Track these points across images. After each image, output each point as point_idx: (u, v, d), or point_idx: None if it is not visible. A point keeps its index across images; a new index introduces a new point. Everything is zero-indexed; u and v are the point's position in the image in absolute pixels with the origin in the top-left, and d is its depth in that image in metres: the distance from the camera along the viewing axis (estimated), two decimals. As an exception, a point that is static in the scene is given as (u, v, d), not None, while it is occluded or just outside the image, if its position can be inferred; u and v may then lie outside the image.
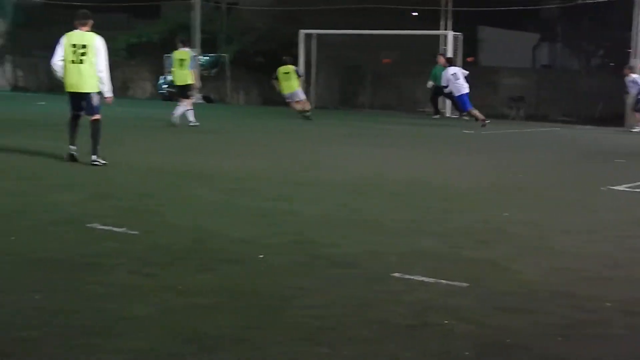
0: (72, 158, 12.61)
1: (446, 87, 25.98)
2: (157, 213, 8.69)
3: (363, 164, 14.14)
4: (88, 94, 12.60)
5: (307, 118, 25.45)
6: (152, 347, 4.61)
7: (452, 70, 25.67)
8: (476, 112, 25.42)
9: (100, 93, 12.75)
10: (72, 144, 12.73)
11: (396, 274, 6.32)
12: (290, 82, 25.77)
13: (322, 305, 5.48)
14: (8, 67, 45.89)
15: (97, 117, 12.68)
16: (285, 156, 15.03)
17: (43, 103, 29.66)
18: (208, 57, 38.64)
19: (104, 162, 12.34)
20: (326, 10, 35.15)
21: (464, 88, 25.14)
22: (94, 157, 12.40)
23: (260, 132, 21.20)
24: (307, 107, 26.51)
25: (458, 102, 26.46)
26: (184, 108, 21.17)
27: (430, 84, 29.64)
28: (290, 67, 26.29)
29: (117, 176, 11.56)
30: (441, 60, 28.73)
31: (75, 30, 12.63)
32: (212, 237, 7.52)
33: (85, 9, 13.58)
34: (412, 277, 6.25)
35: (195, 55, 22.98)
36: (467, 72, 25.95)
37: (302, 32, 34.29)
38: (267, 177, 11.80)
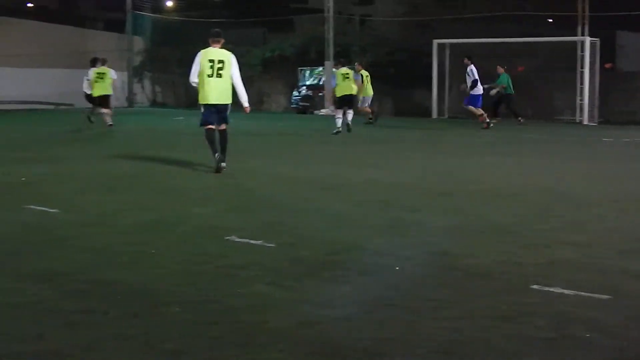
0: (219, 169, 13.28)
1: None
2: (293, 225, 8.75)
3: (497, 173, 13.96)
4: (226, 105, 13.62)
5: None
6: (290, 359, 4.63)
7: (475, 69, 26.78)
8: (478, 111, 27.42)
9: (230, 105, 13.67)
10: (217, 152, 13.50)
11: (535, 286, 6.20)
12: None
13: (459, 317, 5.41)
14: (147, 83, 47.24)
15: (225, 126, 13.71)
16: (419, 166, 14.95)
17: (181, 118, 30.37)
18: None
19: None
20: (459, 19, 34.92)
21: (481, 89, 26.93)
22: (224, 164, 13.36)
23: (393, 143, 21.17)
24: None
25: (471, 99, 27.27)
26: (351, 115, 24.07)
27: (493, 91, 30.15)
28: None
29: (253, 188, 11.72)
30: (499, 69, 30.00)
31: (210, 47, 13.52)
32: (347, 249, 7.53)
33: (223, 25, 14.12)
34: (550, 289, 6.11)
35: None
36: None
37: (436, 41, 34.12)
38: (401, 188, 11.76)
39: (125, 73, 44.98)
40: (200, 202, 10.31)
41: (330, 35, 37.99)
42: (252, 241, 7.79)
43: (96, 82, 24.71)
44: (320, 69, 39.38)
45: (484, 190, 11.67)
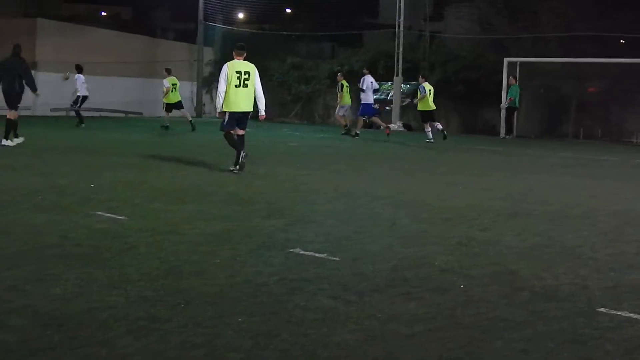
0: (242, 167, 14.86)
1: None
2: (359, 240, 8.72)
3: (568, 194, 13.78)
4: (249, 112, 15.20)
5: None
6: (353, 375, 4.61)
7: (371, 78, 28.31)
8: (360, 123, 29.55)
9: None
10: (243, 150, 14.92)
11: (602, 309, 6.11)
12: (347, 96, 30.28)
13: (526, 339, 5.33)
14: (215, 94, 47.54)
15: (244, 132, 15.31)
16: (488, 186, 14.81)
17: (248, 130, 30.47)
18: (408, 86, 38.79)
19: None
20: (531, 38, 34.66)
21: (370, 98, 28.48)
22: (244, 152, 14.94)
23: (461, 161, 21.05)
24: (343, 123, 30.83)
25: (364, 109, 28.85)
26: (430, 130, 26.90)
27: (503, 104, 32.37)
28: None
29: (319, 201, 11.70)
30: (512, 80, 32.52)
31: (236, 60, 15.05)
32: (413, 266, 7.47)
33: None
34: (618, 313, 6.02)
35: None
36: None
37: (506, 59, 33.92)
38: (469, 206, 11.66)
39: (195, 83, 45.46)
40: (266, 214, 10.33)
41: (399, 51, 37.96)
42: (316, 254, 7.78)
43: (172, 91, 28.78)
44: (389, 84, 39.35)
45: (553, 211, 11.53)
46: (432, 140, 26.38)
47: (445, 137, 26.45)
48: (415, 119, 38.40)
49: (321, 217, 10.30)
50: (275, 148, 23.28)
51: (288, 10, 51.14)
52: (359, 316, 5.73)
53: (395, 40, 38.42)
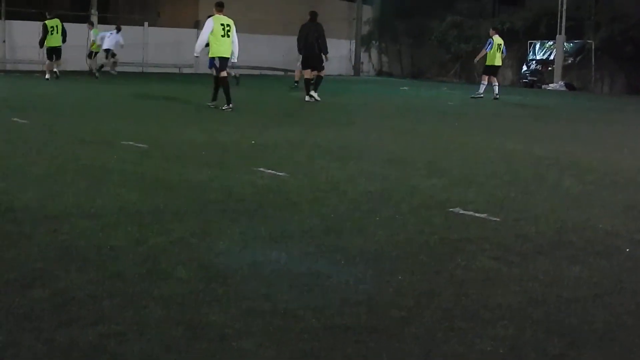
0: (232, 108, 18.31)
1: None
2: (521, 201, 8.58)
3: None
4: (229, 58, 18.62)
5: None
6: (517, 336, 4.51)
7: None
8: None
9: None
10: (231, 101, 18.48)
11: None
12: None
13: (697, 308, 5.14)
14: (374, 53, 47.57)
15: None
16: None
17: (406, 88, 30.43)
18: (572, 44, 37.82)
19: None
20: None
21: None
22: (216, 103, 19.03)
23: (627, 123, 20.43)
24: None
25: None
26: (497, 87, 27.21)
27: None
28: None
29: (480, 162, 11.57)
30: None
31: (218, 15, 18.53)
32: (577, 229, 7.28)
33: None
34: None
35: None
36: None
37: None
38: (636, 169, 11.32)
39: (353, 41, 45.52)
40: (426, 173, 10.28)
41: (563, 9, 36.99)
42: (477, 214, 7.69)
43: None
44: (551, 42, 38.46)
45: None
46: (482, 96, 26.79)
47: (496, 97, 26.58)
48: (579, 79, 37.53)
49: (482, 177, 10.18)
50: (434, 107, 23.14)
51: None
52: (521, 278, 5.64)
53: (559, -2, 37.47)
